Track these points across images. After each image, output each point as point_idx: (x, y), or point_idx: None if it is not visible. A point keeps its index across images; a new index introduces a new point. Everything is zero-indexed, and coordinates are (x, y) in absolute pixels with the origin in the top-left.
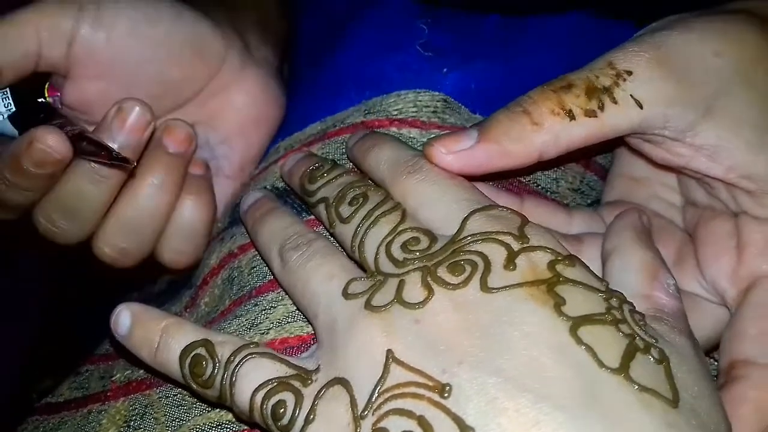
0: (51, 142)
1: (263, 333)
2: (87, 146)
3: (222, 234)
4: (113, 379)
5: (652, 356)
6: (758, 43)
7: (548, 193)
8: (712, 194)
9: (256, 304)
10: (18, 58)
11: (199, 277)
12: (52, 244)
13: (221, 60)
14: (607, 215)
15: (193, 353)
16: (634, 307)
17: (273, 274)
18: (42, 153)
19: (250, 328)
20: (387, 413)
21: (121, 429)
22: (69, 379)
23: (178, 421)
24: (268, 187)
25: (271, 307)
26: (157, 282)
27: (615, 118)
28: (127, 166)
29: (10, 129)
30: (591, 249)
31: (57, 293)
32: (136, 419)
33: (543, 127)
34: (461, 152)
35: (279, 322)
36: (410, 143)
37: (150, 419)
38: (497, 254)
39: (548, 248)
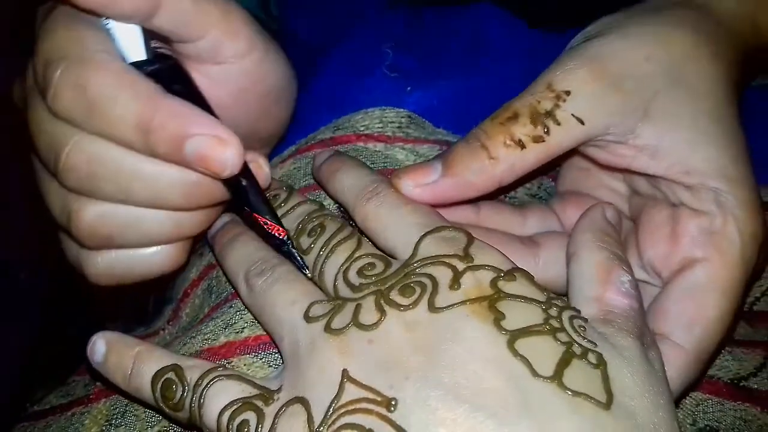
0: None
1: (238, 332)
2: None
3: (200, 249)
4: (97, 384)
5: (589, 361)
6: (684, 41)
7: (507, 198)
8: (653, 185)
9: (230, 306)
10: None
11: (180, 290)
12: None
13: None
14: (559, 207)
15: (164, 378)
16: (578, 313)
17: (241, 299)
18: (212, 189)
19: (225, 328)
20: (340, 428)
21: (103, 427)
22: (56, 390)
23: (158, 417)
24: None
25: (245, 308)
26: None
27: (559, 138)
28: (279, 241)
29: (137, 44)
30: (547, 251)
31: (56, 299)
32: (117, 417)
33: (499, 160)
34: (427, 185)
35: (253, 322)
36: (376, 156)
37: (131, 417)
38: (444, 275)
39: (490, 266)
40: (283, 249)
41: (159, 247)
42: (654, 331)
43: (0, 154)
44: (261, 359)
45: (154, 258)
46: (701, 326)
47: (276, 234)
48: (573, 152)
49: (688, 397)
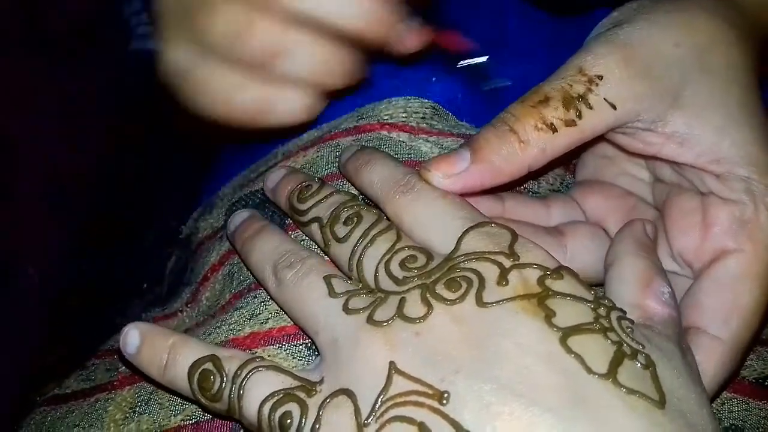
0: None
1: (262, 323)
2: None
3: (221, 232)
4: (120, 370)
5: (639, 361)
6: (711, 28)
7: (530, 193)
8: (680, 173)
9: (255, 297)
10: None
11: (199, 274)
12: None
13: None
14: (580, 195)
15: (201, 369)
16: (624, 313)
17: (269, 293)
18: None
19: (249, 319)
20: (389, 420)
21: (127, 414)
22: (76, 373)
23: (181, 405)
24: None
25: (270, 298)
26: (158, 287)
27: (592, 123)
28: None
29: None
30: (574, 241)
31: (58, 300)
32: (141, 405)
33: (529, 144)
34: (458, 175)
35: (277, 312)
36: (400, 147)
37: (155, 405)
38: (490, 271)
39: (536, 264)
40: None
41: (296, 94)
42: (689, 325)
43: (3, 144)
44: (285, 351)
45: (290, 103)
46: (738, 317)
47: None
48: (597, 140)
49: (717, 397)
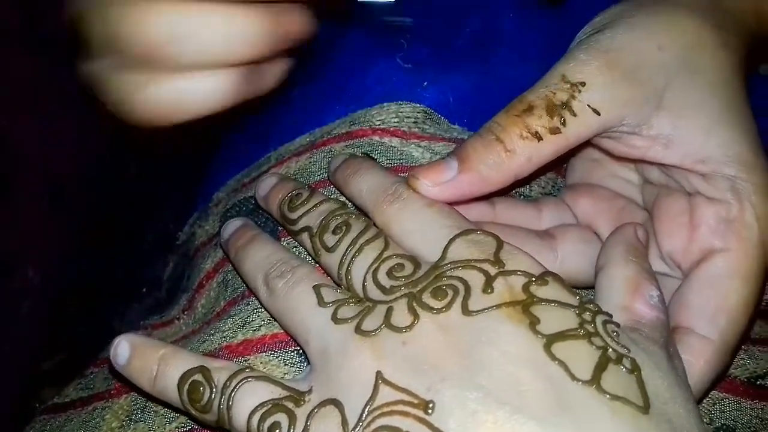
0: None
1: (255, 330)
2: None
3: (215, 239)
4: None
5: (624, 366)
6: (698, 30)
7: (522, 197)
8: (667, 174)
9: (248, 304)
10: None
11: (195, 281)
12: None
13: None
14: (570, 198)
15: (191, 380)
16: (611, 317)
17: (260, 302)
18: None
19: (243, 326)
20: (376, 430)
21: (123, 422)
22: (75, 381)
23: (175, 414)
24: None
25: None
26: (155, 293)
27: (577, 129)
28: None
29: None
30: (564, 244)
31: (58, 300)
32: (137, 413)
33: (516, 153)
34: (445, 184)
35: (269, 319)
36: (391, 152)
37: (150, 412)
38: (476, 279)
39: (521, 271)
40: None
41: (209, 77)
42: (678, 325)
43: (3, 144)
44: (277, 357)
45: (204, 88)
46: (726, 316)
47: None
48: (585, 145)
49: (705, 396)
